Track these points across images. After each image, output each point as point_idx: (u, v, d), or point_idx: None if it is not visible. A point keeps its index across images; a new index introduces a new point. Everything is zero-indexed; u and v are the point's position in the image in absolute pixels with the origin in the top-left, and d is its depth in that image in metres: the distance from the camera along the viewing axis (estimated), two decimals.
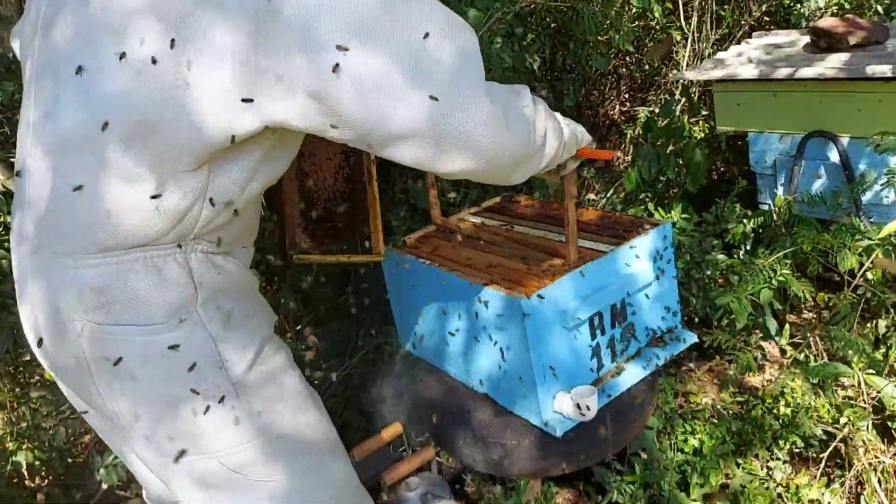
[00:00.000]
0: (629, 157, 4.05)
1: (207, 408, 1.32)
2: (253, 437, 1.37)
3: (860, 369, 2.16)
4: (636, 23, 3.92)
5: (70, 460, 2.51)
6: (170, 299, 1.27)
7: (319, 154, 1.89)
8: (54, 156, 1.23)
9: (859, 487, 2.09)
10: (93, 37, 1.18)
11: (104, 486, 2.33)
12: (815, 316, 2.90)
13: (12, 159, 2.13)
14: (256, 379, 1.38)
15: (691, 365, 2.78)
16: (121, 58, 1.15)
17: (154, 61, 1.13)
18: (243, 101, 1.14)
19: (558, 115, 1.56)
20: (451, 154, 1.23)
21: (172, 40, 1.12)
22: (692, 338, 2.12)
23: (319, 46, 1.10)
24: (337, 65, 1.10)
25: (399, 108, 1.15)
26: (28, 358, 2.39)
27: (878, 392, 2.14)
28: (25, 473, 2.36)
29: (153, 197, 1.20)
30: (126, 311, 1.25)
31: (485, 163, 1.27)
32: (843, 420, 2.15)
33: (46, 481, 2.50)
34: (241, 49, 1.11)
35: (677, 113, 3.74)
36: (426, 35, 1.16)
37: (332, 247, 1.93)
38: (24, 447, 2.35)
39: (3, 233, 2.12)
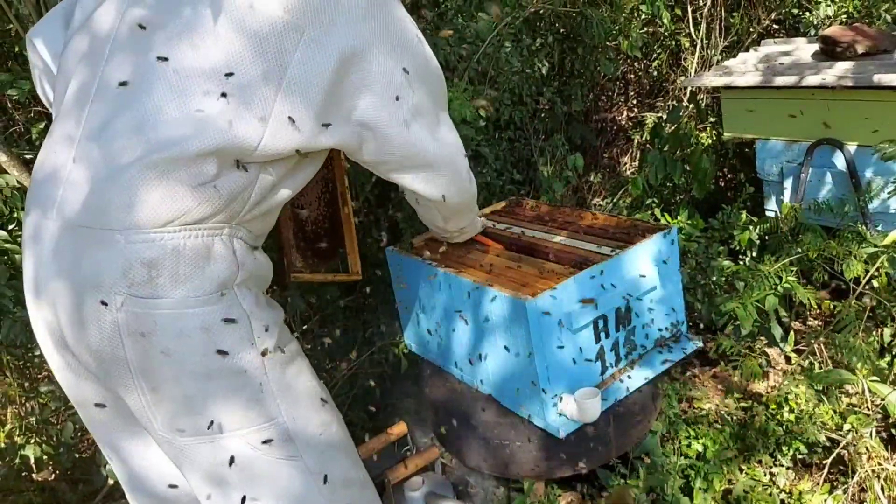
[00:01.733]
0: (636, 163, 4.06)
1: (237, 384, 1.37)
2: (278, 414, 1.42)
3: (864, 376, 2.16)
4: (645, 29, 3.93)
5: (77, 455, 2.53)
6: (214, 275, 1.34)
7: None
8: (112, 141, 1.30)
9: (862, 494, 2.09)
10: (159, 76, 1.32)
11: (110, 482, 2.35)
12: (820, 323, 2.90)
13: (27, 155, 2.16)
14: (281, 359, 1.44)
15: (696, 370, 2.78)
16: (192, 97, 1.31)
17: (228, 101, 1.31)
18: (316, 127, 1.40)
19: None
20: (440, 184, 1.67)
21: (225, 94, 1.31)
22: (697, 343, 2.13)
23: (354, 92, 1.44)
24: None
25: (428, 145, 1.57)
26: (38, 353, 2.42)
27: (882, 399, 2.15)
28: (33, 467, 2.38)
29: (213, 178, 1.31)
30: (172, 285, 1.30)
31: (456, 193, 1.73)
32: (846, 427, 2.15)
33: (54, 475, 2.52)
34: (321, 94, 1.37)
35: (685, 119, 3.75)
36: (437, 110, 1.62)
37: (320, 266, 2.11)
38: (32, 441, 2.37)
39: (17, 229, 2.15)
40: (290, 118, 1.35)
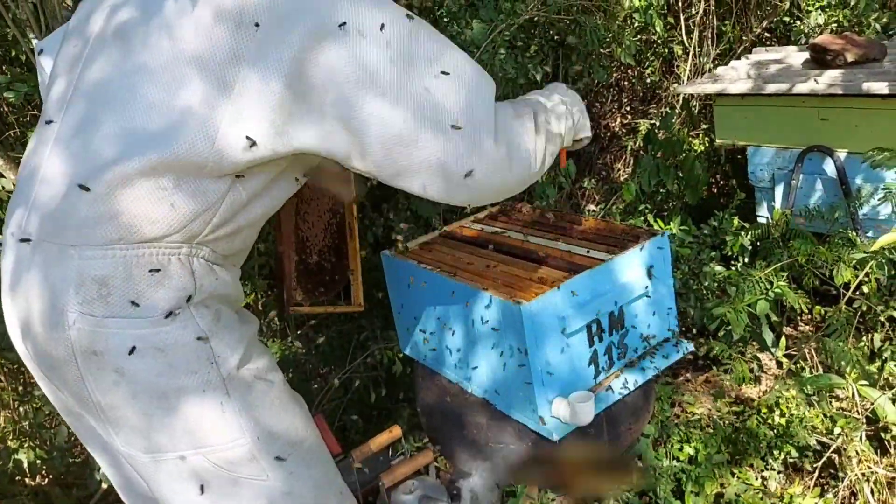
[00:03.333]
0: (630, 169, 4.09)
1: (197, 403, 1.34)
2: (241, 433, 1.39)
3: (854, 381, 2.18)
4: (638, 37, 3.96)
5: (70, 460, 2.53)
6: (168, 296, 1.31)
7: (312, 212, 2.06)
8: (72, 156, 1.29)
9: (852, 498, 2.11)
10: (135, 77, 1.29)
11: (104, 486, 2.34)
12: (810, 328, 2.92)
13: None
14: (245, 377, 1.41)
15: (688, 375, 2.80)
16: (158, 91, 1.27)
17: (194, 101, 1.26)
18: (277, 128, 1.29)
19: (563, 104, 1.66)
20: (459, 190, 1.41)
21: (219, 83, 1.26)
22: (689, 347, 2.15)
23: (346, 100, 1.29)
24: (363, 114, 1.29)
25: (415, 152, 1.33)
26: None
27: (872, 403, 2.17)
28: (27, 471, 2.38)
29: (169, 195, 1.27)
30: (124, 303, 1.28)
31: (490, 194, 1.49)
32: (836, 431, 2.17)
33: (47, 480, 2.51)
34: (278, 92, 1.26)
35: (677, 126, 3.78)
36: (438, 78, 1.34)
37: (322, 298, 2.09)
38: (25, 445, 2.37)
39: None
40: (245, 125, 1.27)
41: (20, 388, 2.49)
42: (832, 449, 2.15)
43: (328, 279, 2.09)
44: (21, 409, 2.45)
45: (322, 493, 1.56)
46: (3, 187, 2.13)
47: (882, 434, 2.23)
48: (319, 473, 1.56)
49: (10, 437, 2.42)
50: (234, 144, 1.28)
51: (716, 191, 3.94)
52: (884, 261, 2.19)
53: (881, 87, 2.51)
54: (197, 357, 1.34)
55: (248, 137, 1.28)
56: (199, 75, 1.26)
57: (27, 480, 2.43)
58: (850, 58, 2.83)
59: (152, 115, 1.26)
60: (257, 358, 1.46)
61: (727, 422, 2.42)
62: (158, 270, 1.30)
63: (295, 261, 2.07)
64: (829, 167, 2.80)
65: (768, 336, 2.59)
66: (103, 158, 1.25)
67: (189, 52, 1.27)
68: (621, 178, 4.11)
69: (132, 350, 1.29)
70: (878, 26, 3.63)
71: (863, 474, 2.07)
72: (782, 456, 2.23)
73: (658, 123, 3.89)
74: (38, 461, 2.37)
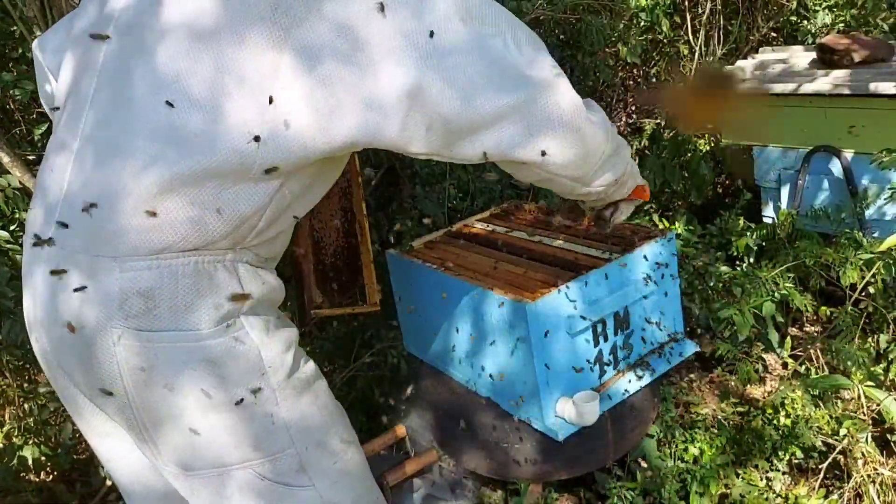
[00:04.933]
0: None
1: (247, 415, 1.30)
2: (290, 444, 1.36)
3: (860, 382, 2.18)
4: (644, 36, 3.96)
5: (75, 456, 2.53)
6: (217, 304, 1.26)
7: (324, 213, 2.04)
8: (106, 161, 1.22)
9: (858, 499, 2.10)
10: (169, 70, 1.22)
11: (108, 483, 2.35)
12: (816, 329, 2.92)
13: (29, 156, 2.17)
14: (295, 386, 1.37)
15: (693, 375, 2.79)
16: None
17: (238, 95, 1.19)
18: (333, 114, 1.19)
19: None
20: (542, 134, 1.33)
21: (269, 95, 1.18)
22: (694, 348, 2.14)
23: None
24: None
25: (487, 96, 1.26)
26: None
27: (878, 404, 2.16)
28: (31, 468, 2.39)
29: (215, 200, 1.21)
30: (172, 316, 1.22)
31: (578, 145, 1.40)
32: (842, 432, 2.16)
33: (52, 476, 2.52)
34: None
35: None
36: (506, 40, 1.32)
37: (339, 300, 2.06)
38: (30, 442, 2.38)
39: (19, 229, 2.16)
40: (294, 113, 1.18)
41: (25, 384, 2.50)
42: (838, 450, 2.14)
43: (344, 279, 2.07)
44: (26, 405, 2.46)
45: (362, 498, 1.54)
46: (10, 184, 2.13)
47: (888, 435, 2.23)
48: (362, 483, 1.55)
49: (15, 434, 2.42)
50: (282, 152, 1.21)
51: (721, 191, 3.93)
52: (890, 262, 2.18)
53: (888, 88, 2.50)
54: (249, 369, 1.29)
55: (297, 139, 1.21)
56: (236, 72, 1.18)
57: (32, 477, 2.44)
58: (856, 58, 2.82)
59: (192, 116, 1.18)
60: (303, 365, 1.41)
61: (732, 422, 2.42)
62: (206, 280, 1.24)
63: (313, 263, 2.04)
64: (836, 167, 2.80)
65: (774, 337, 2.58)
66: (142, 163, 1.18)
67: (224, 40, 1.19)
68: None
69: (181, 364, 1.23)
70: (885, 26, 3.62)
71: (868, 476, 2.06)
72: (787, 457, 2.23)
73: (663, 123, 3.89)
74: (43, 458, 2.37)
